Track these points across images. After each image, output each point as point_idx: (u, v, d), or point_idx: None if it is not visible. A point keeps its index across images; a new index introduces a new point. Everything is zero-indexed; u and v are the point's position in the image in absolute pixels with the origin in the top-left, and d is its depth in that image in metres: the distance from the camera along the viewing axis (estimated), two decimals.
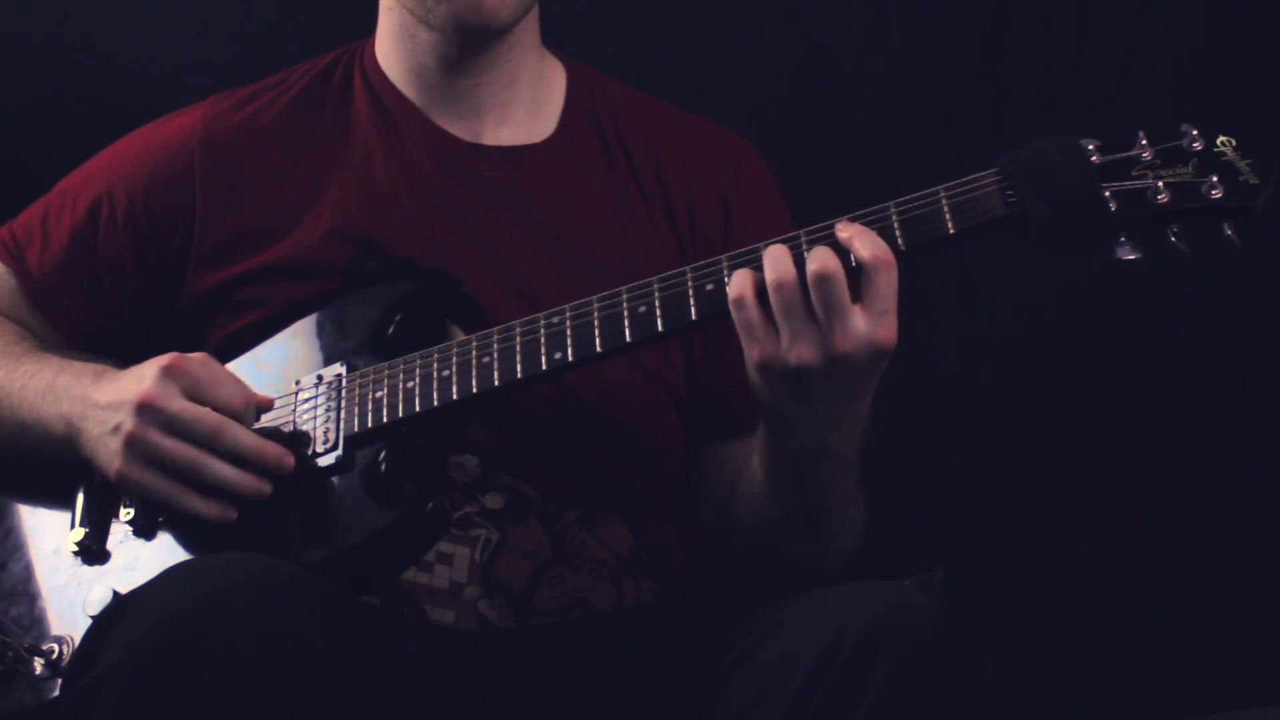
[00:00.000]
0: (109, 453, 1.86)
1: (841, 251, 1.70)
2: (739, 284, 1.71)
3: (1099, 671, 2.71)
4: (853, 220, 1.72)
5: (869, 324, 1.68)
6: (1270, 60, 2.65)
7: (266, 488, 1.84)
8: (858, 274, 1.70)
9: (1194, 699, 2.69)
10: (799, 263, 1.70)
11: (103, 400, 1.88)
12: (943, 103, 2.66)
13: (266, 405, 1.90)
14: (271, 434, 1.88)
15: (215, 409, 1.85)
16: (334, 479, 1.86)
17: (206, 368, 1.87)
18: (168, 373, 1.85)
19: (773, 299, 1.70)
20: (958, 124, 2.64)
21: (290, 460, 1.85)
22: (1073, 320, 2.71)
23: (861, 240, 1.69)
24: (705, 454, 2.02)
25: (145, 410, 1.84)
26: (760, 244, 1.75)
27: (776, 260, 1.70)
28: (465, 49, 2.01)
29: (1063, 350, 2.71)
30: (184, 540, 1.89)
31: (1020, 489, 2.70)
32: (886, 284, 1.68)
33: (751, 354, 1.72)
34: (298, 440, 1.88)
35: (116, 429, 1.86)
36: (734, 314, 1.72)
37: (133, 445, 1.85)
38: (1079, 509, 2.70)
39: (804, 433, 1.76)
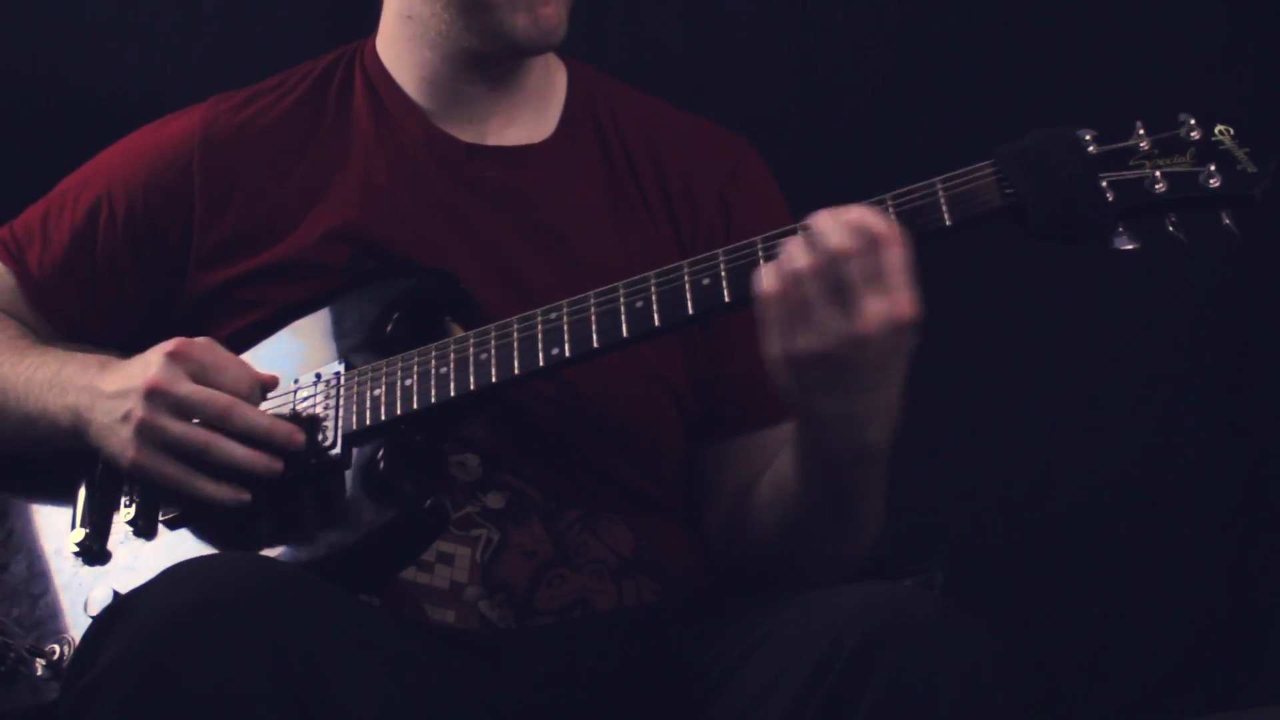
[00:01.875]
0: (120, 441, 1.87)
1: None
2: (764, 278, 1.69)
3: (1099, 671, 2.71)
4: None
5: (884, 301, 1.66)
6: (1270, 52, 2.65)
7: (279, 465, 1.84)
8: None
9: (1194, 699, 2.69)
10: (813, 251, 1.68)
11: (110, 389, 1.88)
12: (943, 103, 2.66)
13: (272, 384, 1.90)
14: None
15: (222, 391, 1.86)
16: (332, 477, 1.86)
17: (211, 351, 1.88)
18: (173, 358, 1.86)
19: (790, 289, 1.67)
20: (957, 124, 2.64)
21: (300, 437, 1.85)
22: (1073, 320, 2.71)
23: (868, 223, 1.67)
24: (717, 451, 2.01)
25: (154, 395, 1.85)
26: (757, 238, 1.75)
27: (791, 252, 1.68)
28: (497, 63, 2.02)
29: (1063, 350, 2.71)
30: (183, 540, 1.89)
31: (1020, 489, 2.70)
32: (893, 259, 1.67)
33: (773, 348, 1.69)
34: (305, 423, 1.88)
35: (126, 416, 1.86)
36: (758, 309, 1.69)
37: (144, 431, 1.85)
38: (1079, 509, 2.70)
39: (839, 427, 1.73)
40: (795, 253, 1.67)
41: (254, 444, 1.84)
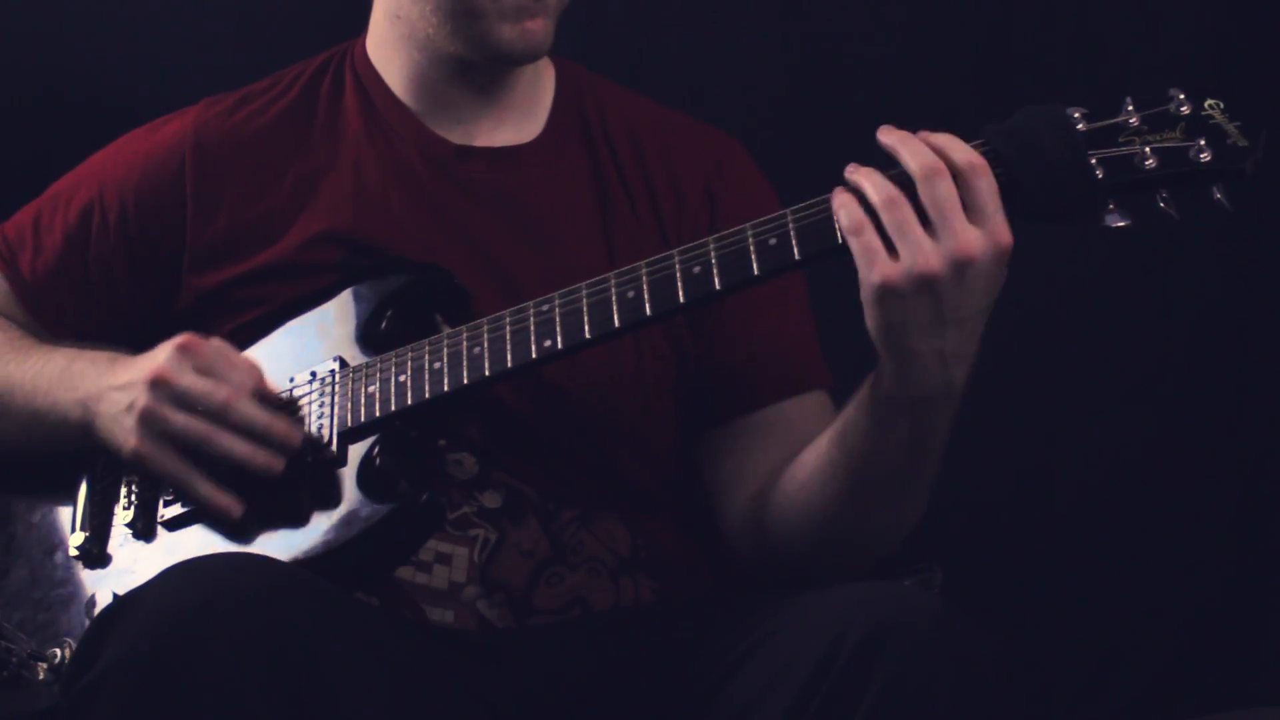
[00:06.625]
0: (124, 431, 1.87)
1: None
2: (851, 212, 1.66)
3: (1099, 671, 2.71)
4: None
5: (983, 226, 1.64)
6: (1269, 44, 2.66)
7: (279, 464, 1.84)
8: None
9: (1194, 699, 2.69)
10: (898, 180, 1.66)
11: (118, 382, 1.89)
12: (942, 103, 2.66)
13: (273, 397, 1.90)
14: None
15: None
16: (327, 474, 1.86)
17: (220, 350, 1.89)
18: (181, 350, 1.87)
19: (885, 218, 1.65)
20: (956, 124, 2.64)
21: (298, 436, 1.85)
22: (1072, 320, 2.71)
23: (952, 148, 1.66)
24: (727, 435, 1.98)
25: (158, 385, 1.85)
26: (747, 224, 1.74)
27: (876, 182, 1.66)
28: (483, 71, 2.02)
29: (1063, 350, 2.71)
30: (181, 541, 1.89)
31: (1020, 489, 2.71)
32: (987, 187, 1.64)
33: (873, 278, 1.65)
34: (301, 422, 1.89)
35: (130, 406, 1.87)
36: (852, 242, 1.66)
37: (146, 420, 1.86)
38: (1079, 509, 2.70)
39: (931, 364, 1.68)
40: (881, 184, 1.65)
41: (254, 440, 1.85)
